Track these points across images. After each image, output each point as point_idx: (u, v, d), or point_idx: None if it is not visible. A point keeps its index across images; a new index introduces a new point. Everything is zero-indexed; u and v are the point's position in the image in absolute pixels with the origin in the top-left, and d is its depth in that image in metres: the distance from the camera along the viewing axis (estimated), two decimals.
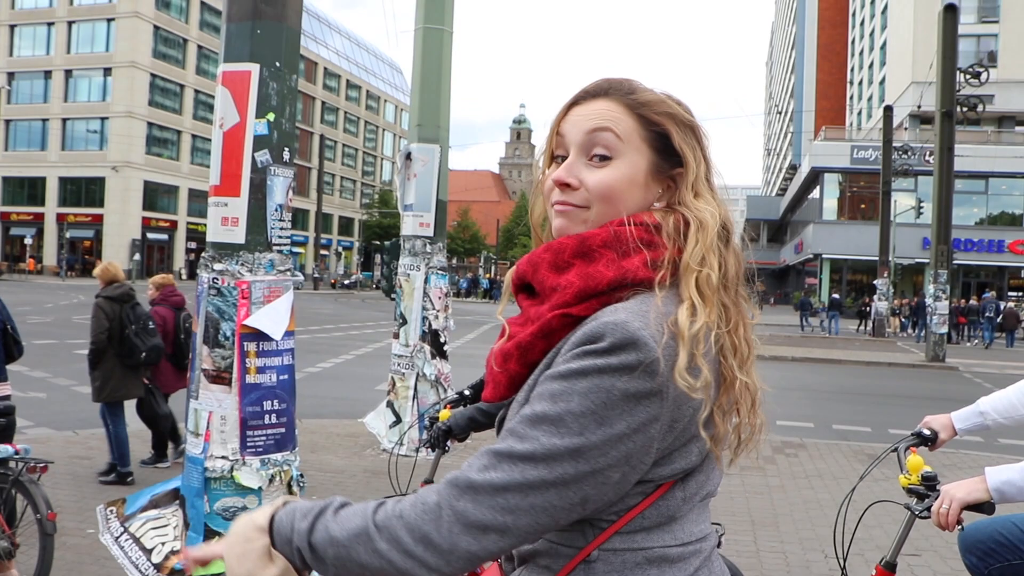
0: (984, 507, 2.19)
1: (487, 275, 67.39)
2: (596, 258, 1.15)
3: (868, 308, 31.45)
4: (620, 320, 1.06)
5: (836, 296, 32.71)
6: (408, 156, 7.85)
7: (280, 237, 4.04)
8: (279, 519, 1.14)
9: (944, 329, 19.89)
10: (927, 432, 2.62)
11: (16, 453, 3.81)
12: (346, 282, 61.07)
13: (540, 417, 1.06)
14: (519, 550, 1.19)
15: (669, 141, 1.20)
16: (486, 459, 1.08)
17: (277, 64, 3.99)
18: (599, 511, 1.11)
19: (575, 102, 1.23)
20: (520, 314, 1.24)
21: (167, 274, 7.49)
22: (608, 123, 1.18)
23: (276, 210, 4.01)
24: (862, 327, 31.98)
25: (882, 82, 56.51)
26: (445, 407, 3.07)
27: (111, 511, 4.00)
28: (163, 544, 3.89)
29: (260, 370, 3.90)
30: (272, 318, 3.93)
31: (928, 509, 2.24)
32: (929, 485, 2.27)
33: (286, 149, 4.05)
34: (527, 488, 1.04)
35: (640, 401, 1.04)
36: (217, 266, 3.90)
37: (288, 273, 4.09)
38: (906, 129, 43.94)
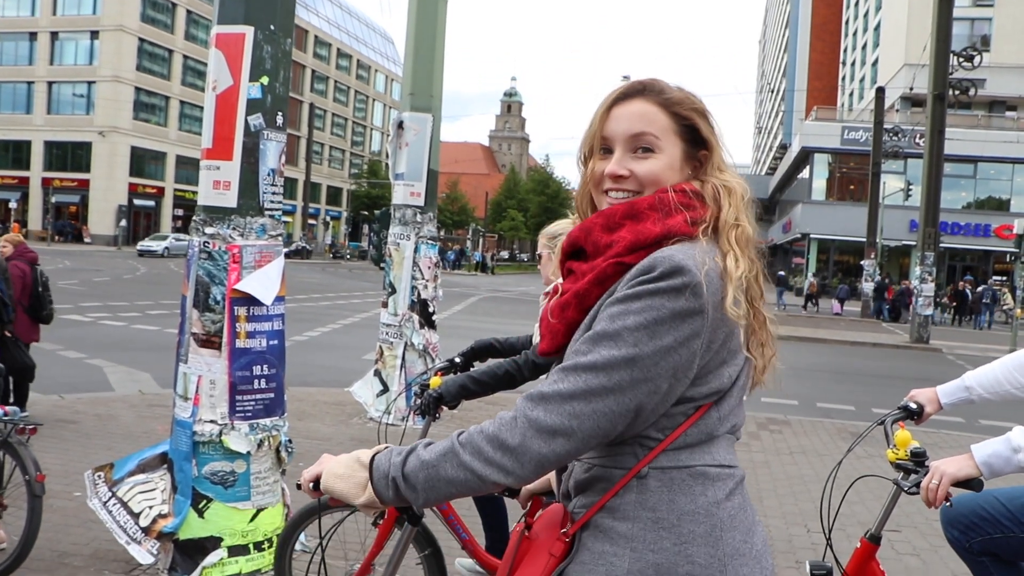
0: (973, 483, 2.22)
1: (481, 249, 67.27)
2: (644, 218, 1.36)
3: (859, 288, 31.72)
4: (668, 254, 1.28)
5: (782, 273, 35.79)
6: (400, 125, 7.80)
7: (272, 202, 4.01)
8: (379, 459, 1.35)
9: (929, 311, 20.04)
10: (913, 406, 2.64)
11: (5, 415, 3.79)
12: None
13: (600, 335, 1.26)
14: (577, 480, 1.38)
15: (696, 131, 1.43)
16: (555, 375, 1.28)
17: (271, 27, 3.94)
18: (648, 424, 1.30)
19: (614, 103, 1.44)
20: (570, 277, 1.43)
21: (17, 233, 7.40)
22: (648, 124, 1.40)
23: (269, 175, 3.97)
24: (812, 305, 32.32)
25: (875, 63, 56.43)
26: (436, 374, 3.08)
27: (99, 476, 4.00)
28: (151, 508, 3.90)
29: (250, 335, 3.89)
30: (263, 283, 3.91)
31: (917, 485, 2.26)
32: (918, 461, 2.29)
33: (279, 113, 4.01)
34: (589, 394, 1.23)
35: (685, 318, 1.24)
36: (208, 230, 3.87)
37: (279, 238, 4.07)
38: (897, 111, 43.95)
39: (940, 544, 2.73)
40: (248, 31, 3.89)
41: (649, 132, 1.40)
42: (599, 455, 1.35)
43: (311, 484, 1.44)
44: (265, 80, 3.93)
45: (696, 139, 1.44)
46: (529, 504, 2.23)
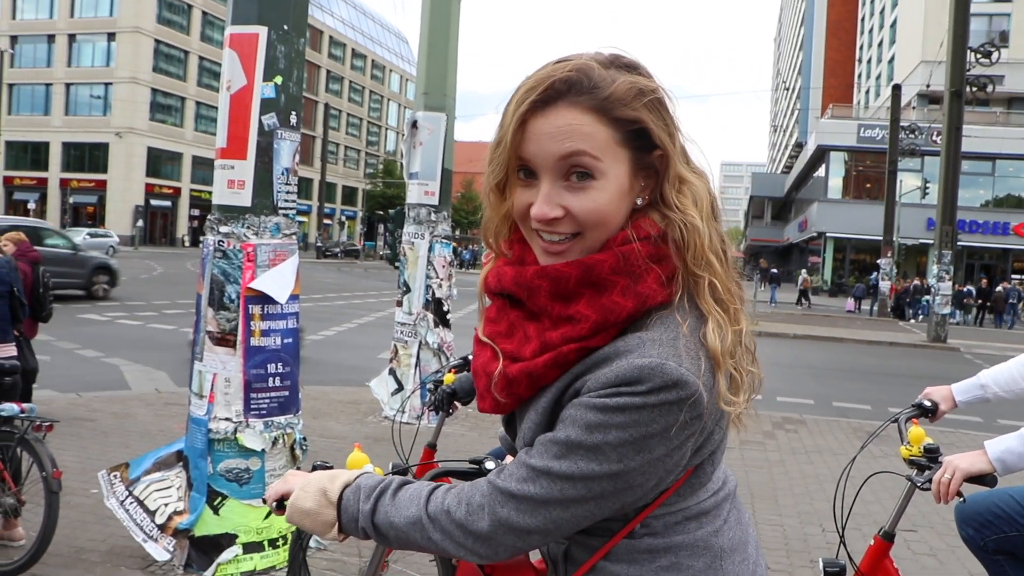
0: (986, 479, 2.20)
1: None
2: (608, 286, 1.09)
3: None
4: (656, 362, 1.03)
5: (775, 271, 36.62)
6: (414, 124, 7.81)
7: (286, 201, 4.03)
8: (347, 498, 1.22)
9: (947, 310, 19.89)
10: (928, 403, 2.62)
11: (22, 412, 3.83)
12: (337, 250, 60.40)
13: (576, 444, 1.06)
14: (557, 551, 1.26)
15: (647, 134, 1.11)
16: (524, 471, 1.10)
17: (285, 27, 3.96)
18: (636, 505, 1.15)
19: (530, 111, 1.09)
20: (502, 320, 1.20)
21: (19, 231, 7.35)
22: (583, 141, 1.07)
23: (283, 174, 4.00)
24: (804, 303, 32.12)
25: (891, 60, 56.00)
26: (450, 371, 3.09)
27: (115, 476, 4.04)
28: (166, 505, 3.93)
29: (265, 333, 3.91)
30: (277, 281, 3.94)
31: (929, 480, 2.25)
32: (931, 457, 2.28)
33: (293, 113, 4.03)
34: (567, 503, 1.08)
35: (682, 430, 1.06)
36: (223, 229, 3.90)
37: (294, 237, 4.09)
38: (914, 108, 43.61)
39: (957, 544, 2.71)
40: (262, 31, 3.91)
41: (584, 151, 1.07)
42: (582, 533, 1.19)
43: (275, 503, 1.32)
44: (279, 80, 3.96)
45: (648, 141, 1.11)
46: None
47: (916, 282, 31.01)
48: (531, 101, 1.08)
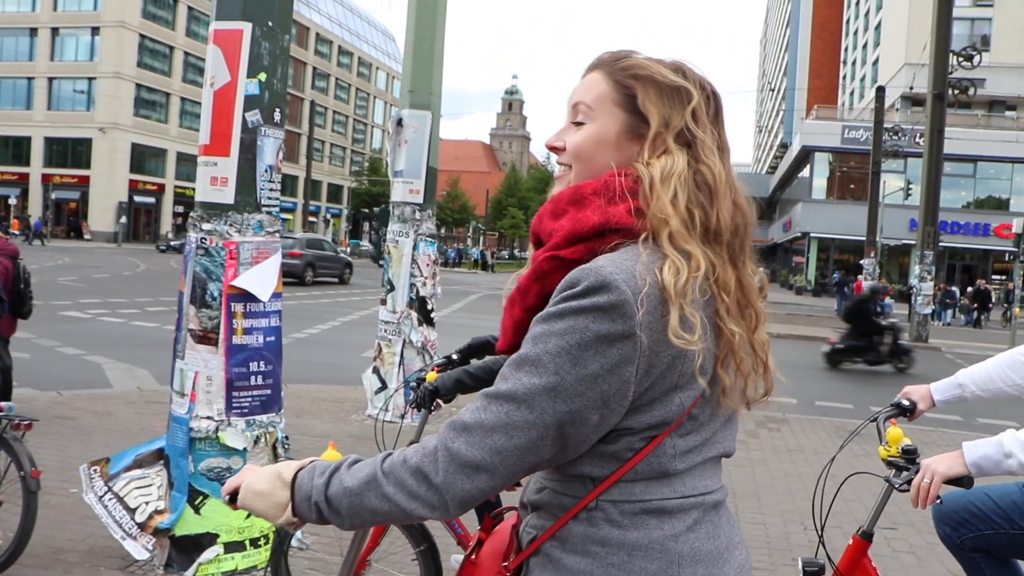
0: (963, 481, 2.22)
1: (482, 247, 67.34)
2: (586, 204, 1.22)
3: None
4: (597, 266, 1.12)
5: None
6: (399, 122, 7.80)
7: (269, 198, 4.01)
8: (300, 477, 1.24)
9: (928, 310, 20.06)
10: (906, 403, 2.64)
11: (0, 411, 3.79)
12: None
13: (522, 359, 1.13)
14: (530, 498, 1.29)
15: (635, 101, 1.26)
16: (480, 401, 1.16)
17: (269, 23, 3.94)
18: (579, 455, 1.17)
19: (584, 75, 1.33)
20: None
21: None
22: (586, 93, 1.28)
23: (266, 171, 3.98)
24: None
25: (875, 62, 56.43)
26: (433, 369, 3.09)
27: (95, 470, 4.00)
28: (147, 503, 3.90)
29: (247, 331, 3.89)
30: (260, 279, 3.92)
31: (908, 482, 2.26)
32: (909, 458, 2.29)
33: (277, 110, 4.01)
34: (511, 428, 1.11)
35: (613, 343, 1.09)
36: (205, 226, 3.88)
37: (277, 235, 4.07)
38: (897, 110, 43.94)
39: (936, 542, 2.74)
40: (246, 27, 3.89)
41: (583, 101, 1.28)
42: (551, 477, 1.24)
43: (228, 496, 1.33)
44: (263, 76, 3.94)
45: (639, 109, 1.26)
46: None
47: (944, 286, 31.02)
48: (588, 66, 1.33)
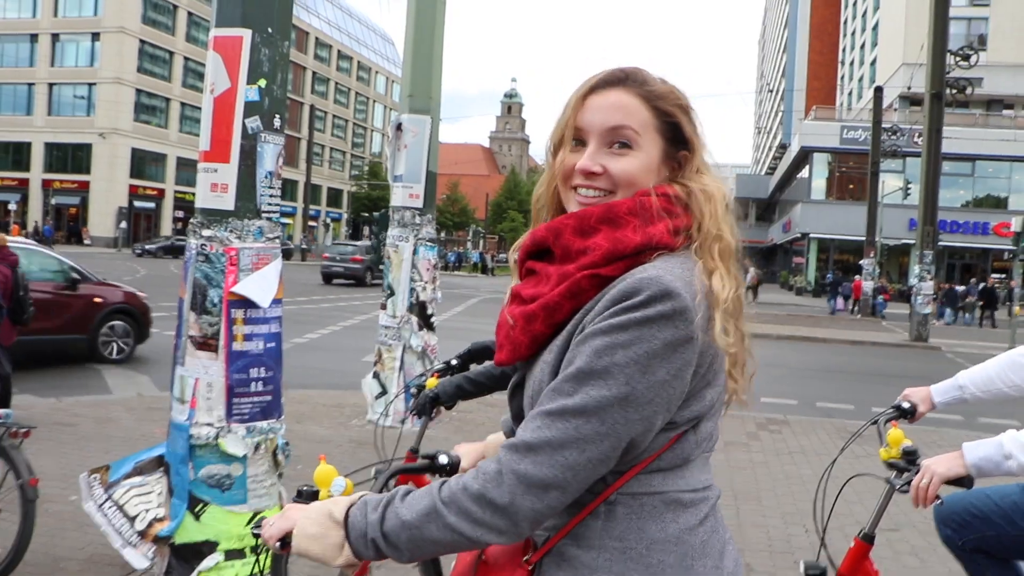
0: (963, 482, 2.22)
1: (482, 251, 67.30)
2: (622, 224, 1.24)
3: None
4: (653, 275, 1.16)
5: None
6: (399, 127, 7.80)
7: (270, 204, 4.01)
8: (353, 515, 1.21)
9: (928, 309, 20.04)
10: (907, 405, 2.65)
11: None
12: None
13: (587, 372, 1.14)
14: None
15: (678, 130, 1.31)
16: (538, 420, 1.15)
17: (269, 30, 3.94)
18: (635, 456, 1.20)
19: (592, 90, 1.31)
20: (531, 278, 1.32)
21: (1, 234, 7.26)
22: (628, 117, 1.28)
23: (266, 177, 3.97)
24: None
25: (873, 63, 56.47)
26: (432, 375, 3.09)
27: (94, 478, 4.00)
28: (147, 511, 3.90)
29: (247, 337, 3.89)
30: (260, 285, 3.91)
31: (908, 483, 2.26)
32: (910, 459, 2.30)
33: (277, 116, 4.01)
34: (583, 442, 1.12)
35: (677, 348, 1.14)
36: (206, 232, 3.88)
37: (277, 241, 4.07)
38: (896, 110, 43.97)
39: (938, 543, 2.74)
40: (246, 34, 3.89)
41: (628, 126, 1.28)
42: None
43: (279, 542, 1.27)
44: (263, 83, 3.94)
45: (677, 138, 1.32)
46: None
47: (950, 285, 30.93)
48: (596, 81, 1.32)
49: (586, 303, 1.22)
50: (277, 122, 4.03)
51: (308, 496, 1.38)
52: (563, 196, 1.35)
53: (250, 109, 3.91)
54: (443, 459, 1.84)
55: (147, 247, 46.57)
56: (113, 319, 10.80)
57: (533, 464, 1.11)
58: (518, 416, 1.32)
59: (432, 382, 2.95)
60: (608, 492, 1.20)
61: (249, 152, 3.92)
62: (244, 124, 3.89)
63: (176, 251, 45.52)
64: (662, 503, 1.21)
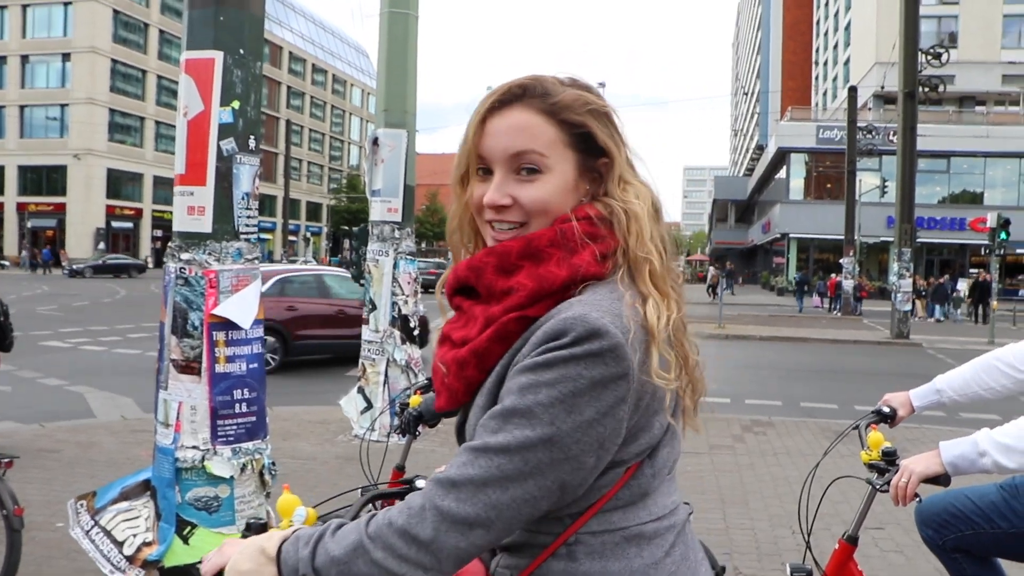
0: (940, 479, 2.27)
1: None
2: (545, 258, 1.17)
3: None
4: (579, 313, 1.09)
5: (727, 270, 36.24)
6: (375, 141, 7.81)
7: (247, 226, 4.01)
8: (286, 550, 1.16)
9: (908, 306, 20.22)
10: (887, 410, 2.70)
11: None
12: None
13: (510, 411, 1.09)
14: None
15: (591, 139, 1.21)
16: (464, 456, 1.11)
17: (241, 51, 3.95)
18: (576, 497, 1.14)
19: (489, 112, 1.21)
20: (458, 316, 1.26)
21: None
22: (531, 139, 1.18)
23: (243, 198, 3.98)
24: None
25: (847, 62, 57.10)
26: (415, 392, 3.10)
27: (81, 504, 3.97)
28: (135, 536, 3.88)
29: (229, 359, 3.88)
30: (240, 307, 3.91)
31: (888, 483, 2.31)
32: (889, 460, 2.34)
33: (252, 137, 4.02)
34: (505, 481, 1.07)
35: (607, 386, 1.07)
36: (184, 256, 3.87)
37: (256, 261, 4.07)
38: (870, 109, 44.44)
39: (921, 542, 2.79)
40: (218, 56, 3.90)
41: (532, 150, 1.18)
42: None
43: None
44: (236, 104, 3.94)
45: (593, 147, 1.22)
46: None
47: (943, 280, 30.86)
48: (491, 103, 1.21)
49: (514, 343, 1.16)
50: (252, 143, 4.03)
51: (256, 529, 1.33)
52: (480, 229, 1.28)
53: (224, 131, 3.91)
54: (420, 483, 1.83)
55: (75, 267, 45.01)
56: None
57: (456, 501, 1.08)
58: (462, 440, 1.29)
59: (416, 400, 2.97)
60: (568, 533, 1.16)
61: (225, 174, 3.92)
62: (219, 146, 3.90)
63: (107, 270, 44.89)
64: (623, 539, 1.16)
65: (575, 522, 1.16)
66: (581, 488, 1.13)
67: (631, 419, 1.12)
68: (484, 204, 1.21)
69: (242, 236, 3.98)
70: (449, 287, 1.28)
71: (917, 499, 2.30)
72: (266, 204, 65.19)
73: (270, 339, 11.44)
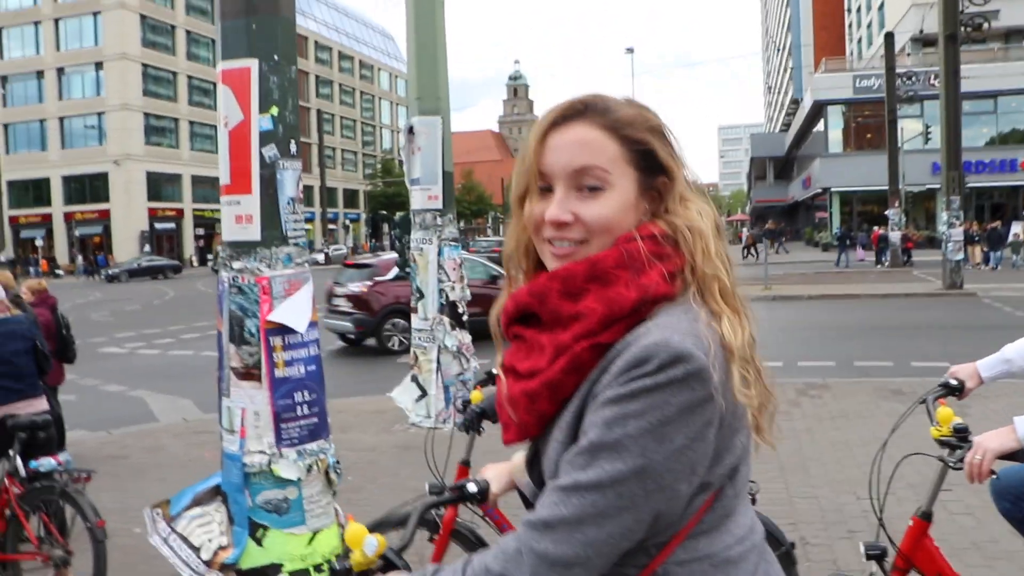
0: (1017, 455, 2.23)
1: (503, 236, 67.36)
2: (613, 280, 1.14)
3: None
4: (661, 339, 1.07)
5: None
6: (411, 130, 7.82)
7: (295, 230, 4.05)
8: None
9: (960, 255, 19.72)
10: (954, 382, 2.64)
11: (59, 465, 3.89)
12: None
13: (598, 445, 1.07)
14: None
15: (653, 157, 1.19)
16: (555, 495, 1.09)
17: (275, 57, 3.97)
18: (669, 525, 1.12)
19: (550, 127, 1.19)
20: (517, 346, 1.22)
21: (40, 279, 7.40)
22: (594, 155, 1.17)
23: (288, 203, 4.01)
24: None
25: (881, 7, 55.43)
26: (475, 387, 3.12)
27: (157, 512, 4.08)
28: (210, 541, 3.98)
29: (288, 363, 3.94)
30: (294, 311, 3.96)
31: (962, 460, 2.27)
32: (961, 436, 2.30)
33: (292, 141, 4.04)
34: (601, 517, 1.06)
35: (695, 411, 1.06)
36: (236, 264, 3.93)
37: (306, 265, 4.11)
38: (909, 55, 43.25)
39: (991, 501, 2.74)
40: (253, 64, 3.92)
41: (596, 165, 1.16)
42: None
43: None
44: (275, 111, 3.97)
45: (653, 165, 1.20)
46: None
47: (993, 225, 29.91)
48: (553, 118, 1.20)
49: (589, 373, 1.13)
50: (293, 147, 4.05)
51: (343, 575, 1.37)
52: (538, 249, 1.24)
53: (265, 138, 3.94)
54: (472, 488, 1.84)
55: (111, 272, 45.95)
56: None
57: (552, 543, 1.06)
58: (540, 485, 1.25)
59: (476, 396, 2.99)
60: (654, 564, 1.13)
61: (269, 180, 3.96)
62: (261, 154, 3.93)
63: (143, 273, 45.48)
64: (711, 566, 1.14)
65: (660, 552, 1.14)
66: (675, 515, 1.12)
67: (717, 439, 1.11)
68: (545, 220, 1.18)
69: (291, 241, 4.01)
70: (507, 315, 1.23)
71: (993, 476, 2.26)
72: (303, 194, 65.66)
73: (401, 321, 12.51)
